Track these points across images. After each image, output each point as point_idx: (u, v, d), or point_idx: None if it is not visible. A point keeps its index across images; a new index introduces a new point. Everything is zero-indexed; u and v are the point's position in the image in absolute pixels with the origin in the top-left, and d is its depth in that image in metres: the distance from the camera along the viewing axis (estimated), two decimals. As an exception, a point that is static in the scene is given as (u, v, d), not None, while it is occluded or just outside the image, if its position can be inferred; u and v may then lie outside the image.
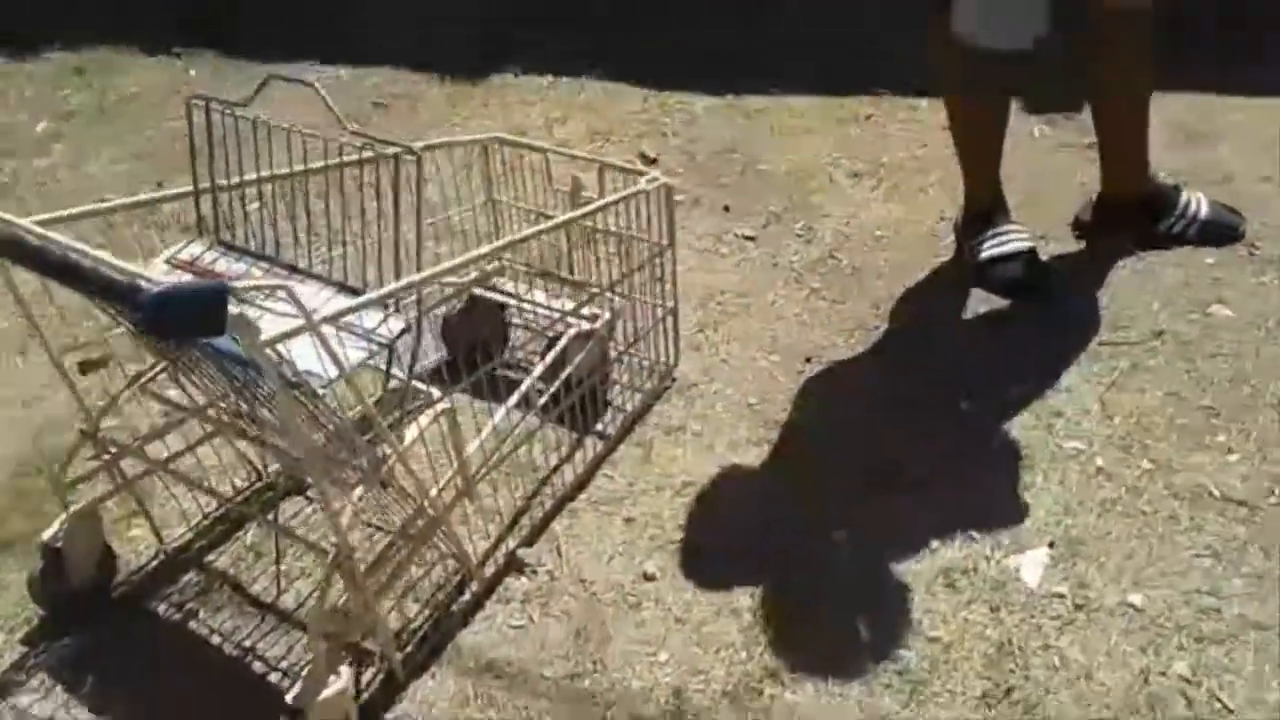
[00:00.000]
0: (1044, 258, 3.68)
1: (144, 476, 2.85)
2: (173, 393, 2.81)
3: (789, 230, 4.02)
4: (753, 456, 3.12)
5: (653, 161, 4.39)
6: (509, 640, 2.66)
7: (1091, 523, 2.81)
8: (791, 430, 3.20)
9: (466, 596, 2.75)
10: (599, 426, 3.20)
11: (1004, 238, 3.65)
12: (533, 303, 3.28)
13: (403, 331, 2.41)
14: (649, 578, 2.80)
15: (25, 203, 4.33)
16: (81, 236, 2.58)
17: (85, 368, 3.18)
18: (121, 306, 1.90)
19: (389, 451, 2.39)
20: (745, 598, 2.70)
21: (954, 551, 2.77)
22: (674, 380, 3.36)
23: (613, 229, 3.13)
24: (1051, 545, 2.76)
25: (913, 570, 2.73)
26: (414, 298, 2.43)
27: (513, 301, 3.32)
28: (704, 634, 2.65)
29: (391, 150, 2.36)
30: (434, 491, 2.54)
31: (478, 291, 3.26)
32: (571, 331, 3.10)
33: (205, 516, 2.99)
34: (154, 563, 2.91)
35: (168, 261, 2.68)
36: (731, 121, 4.69)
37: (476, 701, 2.53)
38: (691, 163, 4.44)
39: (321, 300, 2.45)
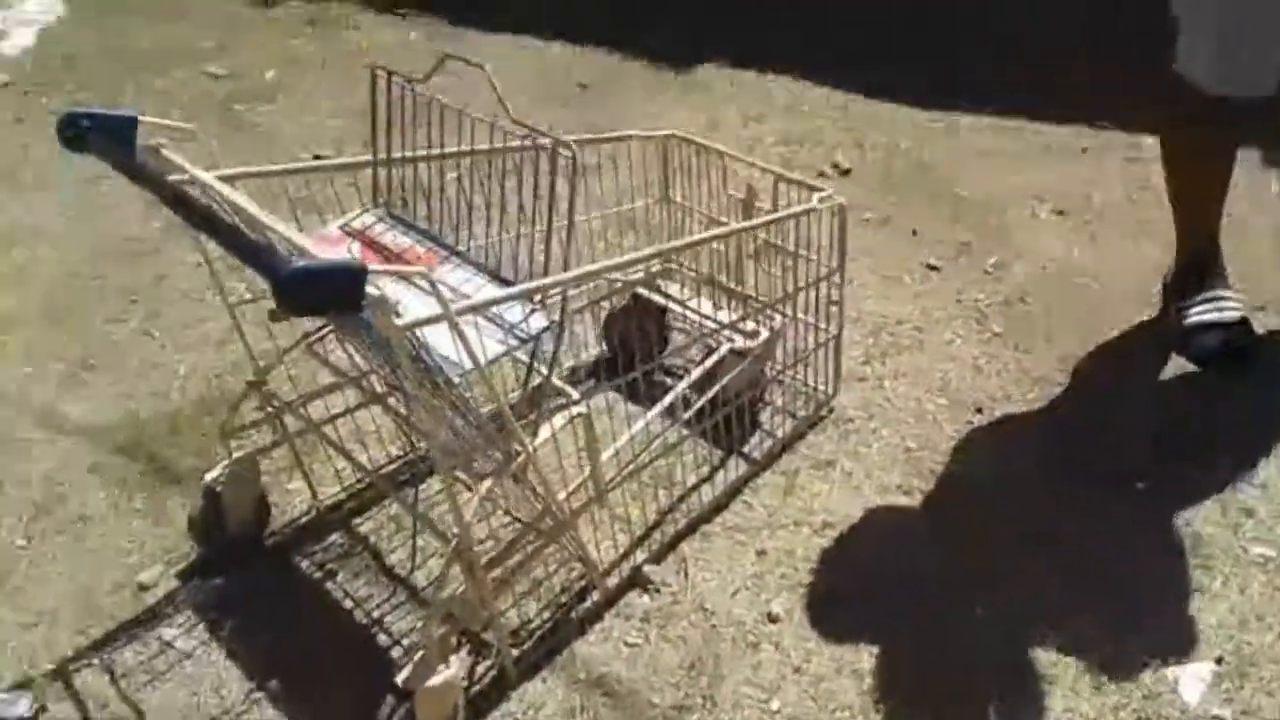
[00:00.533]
0: (1259, 331, 3.41)
1: (302, 435, 2.97)
2: (338, 354, 2.92)
3: (978, 264, 3.86)
4: (902, 505, 3.02)
5: (846, 173, 4.28)
6: (622, 658, 2.67)
7: (1269, 643, 2.59)
8: (948, 483, 3.07)
9: (587, 604, 2.76)
10: (745, 449, 3.15)
11: (1214, 303, 3.39)
12: (694, 310, 3.24)
13: (545, 329, 2.42)
14: (773, 619, 2.75)
15: (242, 148, 4.57)
16: (274, 192, 2.72)
17: (275, 316, 3.36)
18: (259, 273, 1.94)
19: (520, 449, 2.41)
20: (869, 658, 2.63)
21: (1107, 648, 2.59)
22: (830, 411, 3.28)
23: (782, 244, 3.05)
24: (1219, 661, 2.55)
25: (1058, 660, 2.58)
26: (558, 296, 2.42)
27: (674, 306, 3.29)
28: (821, 690, 2.59)
29: (546, 141, 2.35)
30: (563, 495, 2.56)
31: (642, 291, 3.27)
32: (727, 346, 3.07)
33: (359, 479, 3.11)
34: (306, 518, 3.04)
35: (341, 227, 2.76)
36: (935, 138, 4.53)
37: (582, 715, 2.55)
38: (886, 179, 4.30)
39: (472, 287, 2.49)
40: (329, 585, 2.87)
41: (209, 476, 2.88)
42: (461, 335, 2.13)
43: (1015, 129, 4.56)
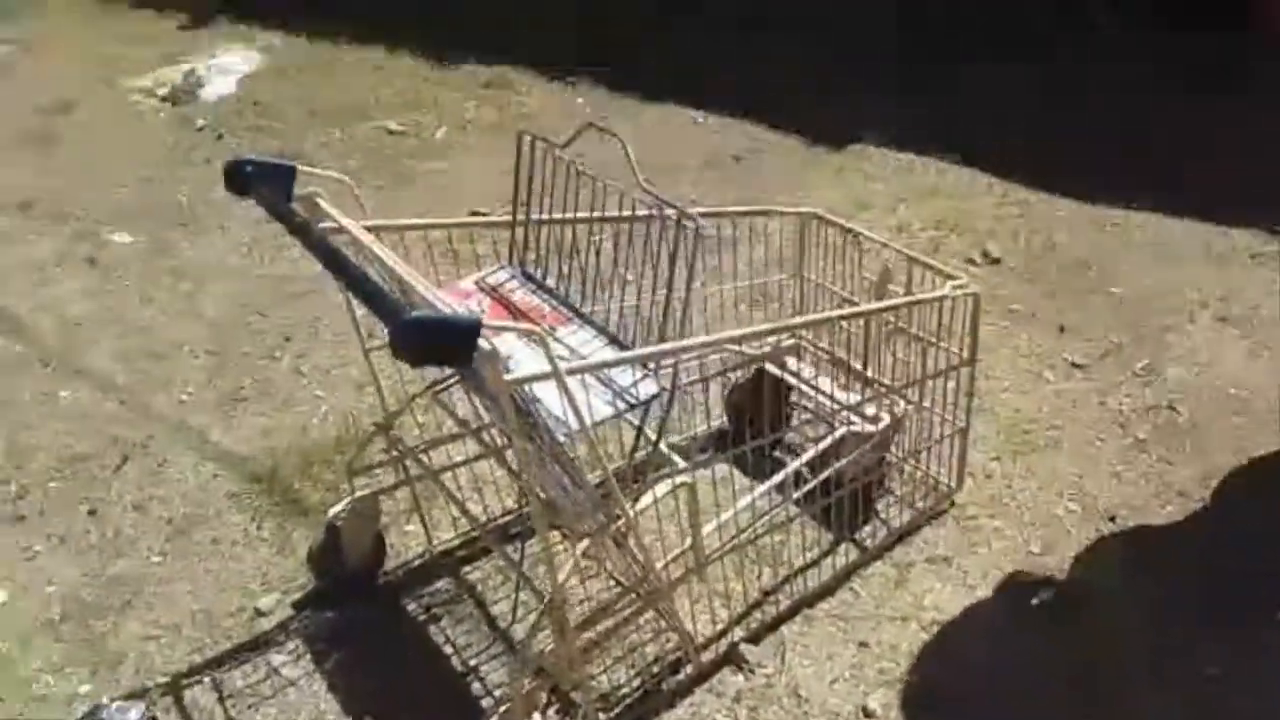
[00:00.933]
0: None
1: (421, 480, 3.06)
2: (464, 404, 3.00)
3: (1127, 367, 3.71)
4: (1019, 612, 2.91)
5: (995, 262, 4.20)
6: (708, 736, 2.64)
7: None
8: (1072, 593, 2.93)
9: (680, 677, 2.74)
10: (858, 536, 3.09)
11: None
12: (817, 389, 3.22)
13: (655, 396, 2.44)
14: (868, 714, 2.67)
15: (409, 200, 4.78)
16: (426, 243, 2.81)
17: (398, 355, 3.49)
18: (380, 320, 2.02)
19: (621, 513, 2.43)
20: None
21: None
22: (951, 505, 3.19)
23: (914, 330, 3.01)
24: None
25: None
26: (671, 365, 2.44)
27: (798, 384, 3.27)
28: None
29: (671, 212, 2.38)
30: (662, 564, 2.56)
31: (768, 367, 3.26)
32: (846, 428, 3.03)
33: (473, 528, 3.18)
34: (419, 560, 3.12)
35: (476, 282, 2.86)
36: (1092, 233, 4.40)
37: (661, 791, 2.53)
38: (1038, 272, 4.19)
39: (590, 350, 2.54)
40: (432, 629, 2.93)
41: (332, 512, 2.99)
42: (569, 394, 2.17)
43: (1184, 229, 4.39)
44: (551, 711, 2.69)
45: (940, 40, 5.69)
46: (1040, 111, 5.18)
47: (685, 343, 2.44)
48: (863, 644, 2.83)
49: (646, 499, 2.51)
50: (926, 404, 3.10)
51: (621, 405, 2.43)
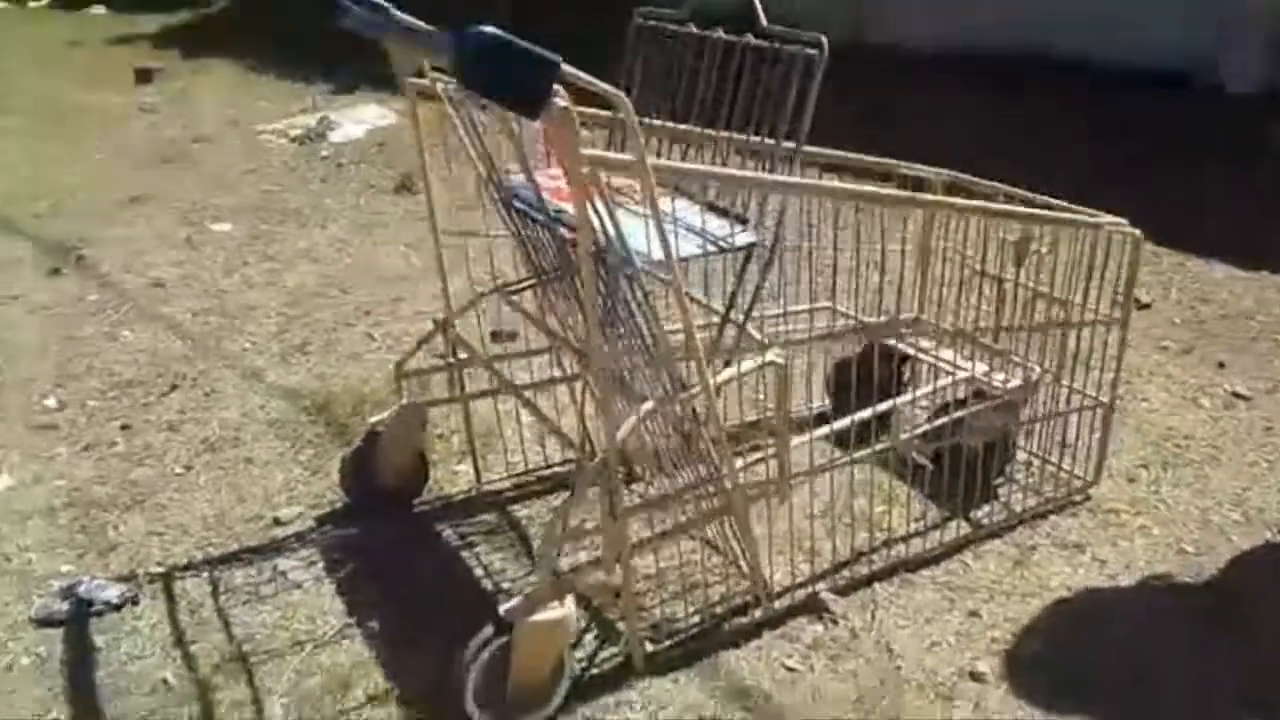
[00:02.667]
0: None
1: (476, 398, 2.73)
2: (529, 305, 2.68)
3: (1300, 404, 3.21)
4: (1166, 603, 2.38)
5: (1145, 307, 3.76)
6: (777, 679, 2.15)
7: None
8: (1230, 596, 2.41)
9: (746, 620, 2.28)
10: (973, 515, 2.62)
11: None
12: (938, 358, 2.80)
13: (752, 245, 2.09)
14: (975, 676, 2.16)
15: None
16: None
17: (496, 337, 3.22)
18: (444, 51, 1.74)
19: (696, 384, 2.05)
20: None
21: None
22: (1086, 499, 2.70)
23: (1055, 293, 2.60)
24: None
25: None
26: (776, 211, 2.10)
27: (914, 352, 2.86)
28: None
29: (795, 47, 2.09)
30: (738, 464, 2.15)
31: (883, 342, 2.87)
32: (966, 384, 2.60)
33: (526, 471, 2.81)
34: (463, 496, 2.75)
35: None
36: (1256, 290, 3.94)
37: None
38: (1193, 317, 3.74)
39: (687, 214, 2.21)
40: (465, 554, 2.53)
41: (374, 419, 2.67)
42: (653, 199, 1.85)
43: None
44: (589, 637, 2.25)
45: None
46: (1197, 184, 4.80)
47: (798, 180, 2.11)
48: (973, 613, 2.33)
49: (729, 372, 2.13)
50: (1065, 381, 2.65)
51: (712, 247, 2.10)
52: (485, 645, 1.97)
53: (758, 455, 2.23)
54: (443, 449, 2.90)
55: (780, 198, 2.11)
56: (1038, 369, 2.66)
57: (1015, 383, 2.64)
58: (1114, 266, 2.53)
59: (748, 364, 2.13)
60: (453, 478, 2.82)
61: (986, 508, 2.64)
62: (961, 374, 2.67)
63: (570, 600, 2.01)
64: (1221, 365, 3.41)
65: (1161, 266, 4.10)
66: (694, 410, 2.09)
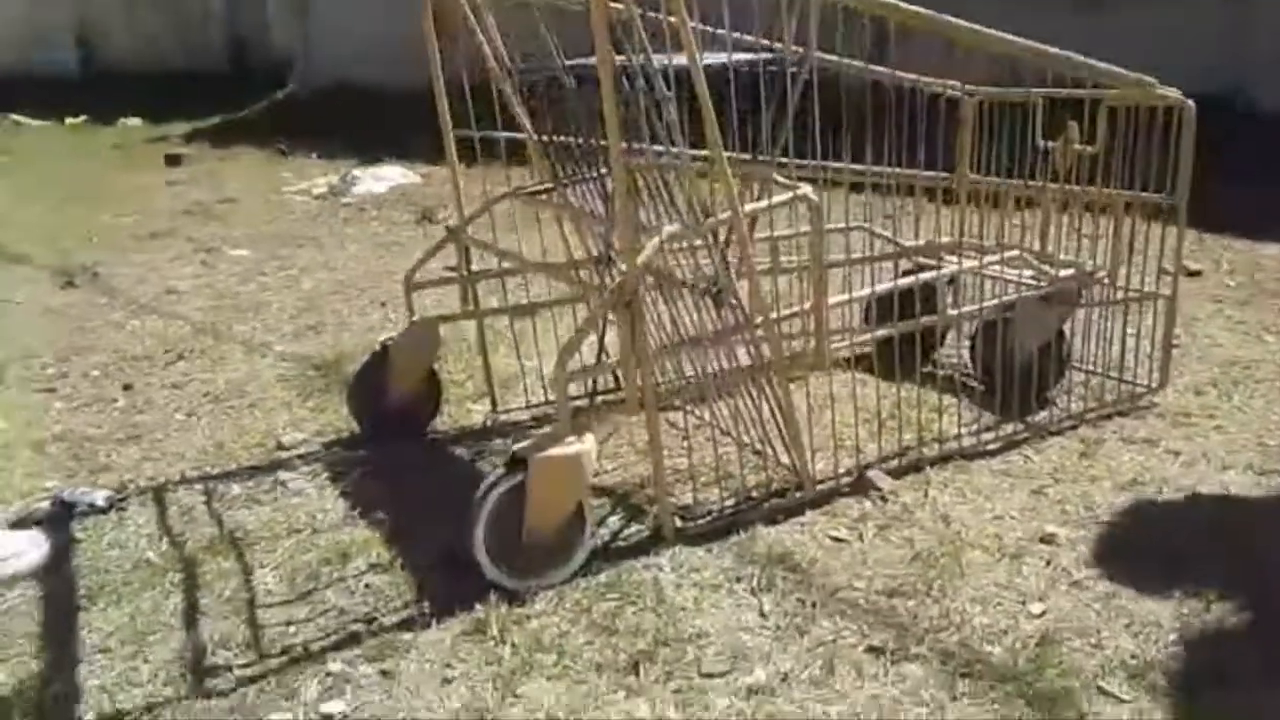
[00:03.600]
0: None
1: (490, 314, 2.58)
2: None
3: (1374, 343, 2.99)
4: (1250, 485, 2.15)
5: (1194, 274, 3.58)
6: (822, 547, 1.93)
7: None
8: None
9: (785, 501, 2.06)
10: (1033, 417, 2.41)
11: None
12: (982, 272, 2.61)
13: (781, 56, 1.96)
14: (1047, 539, 1.93)
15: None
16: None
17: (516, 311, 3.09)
18: None
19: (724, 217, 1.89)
20: (1192, 595, 1.75)
21: None
22: (1153, 405, 2.49)
23: (1103, 190, 2.44)
24: None
25: None
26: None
27: (955, 266, 2.68)
28: (1113, 606, 1.73)
29: None
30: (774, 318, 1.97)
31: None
32: (1009, 289, 2.43)
33: (546, 402, 2.62)
34: (477, 428, 2.57)
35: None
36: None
37: (749, 580, 1.81)
38: (1247, 280, 3.55)
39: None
40: (479, 465, 2.34)
41: (384, 335, 2.52)
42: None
43: None
44: (614, 519, 2.04)
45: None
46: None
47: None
48: (1037, 492, 2.11)
49: (758, 203, 1.98)
50: (1120, 276, 2.47)
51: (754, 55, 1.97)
52: (496, 485, 1.78)
53: (792, 311, 2.06)
54: (457, 393, 2.74)
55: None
56: (1090, 264, 2.49)
57: (1067, 273, 2.46)
58: (1165, 146, 2.38)
59: (780, 195, 1.98)
60: (468, 415, 2.65)
61: (1044, 414, 2.44)
62: (1010, 277, 2.51)
63: (589, 437, 1.81)
64: (1283, 311, 3.22)
65: (1207, 245, 3.93)
66: (722, 246, 1.94)
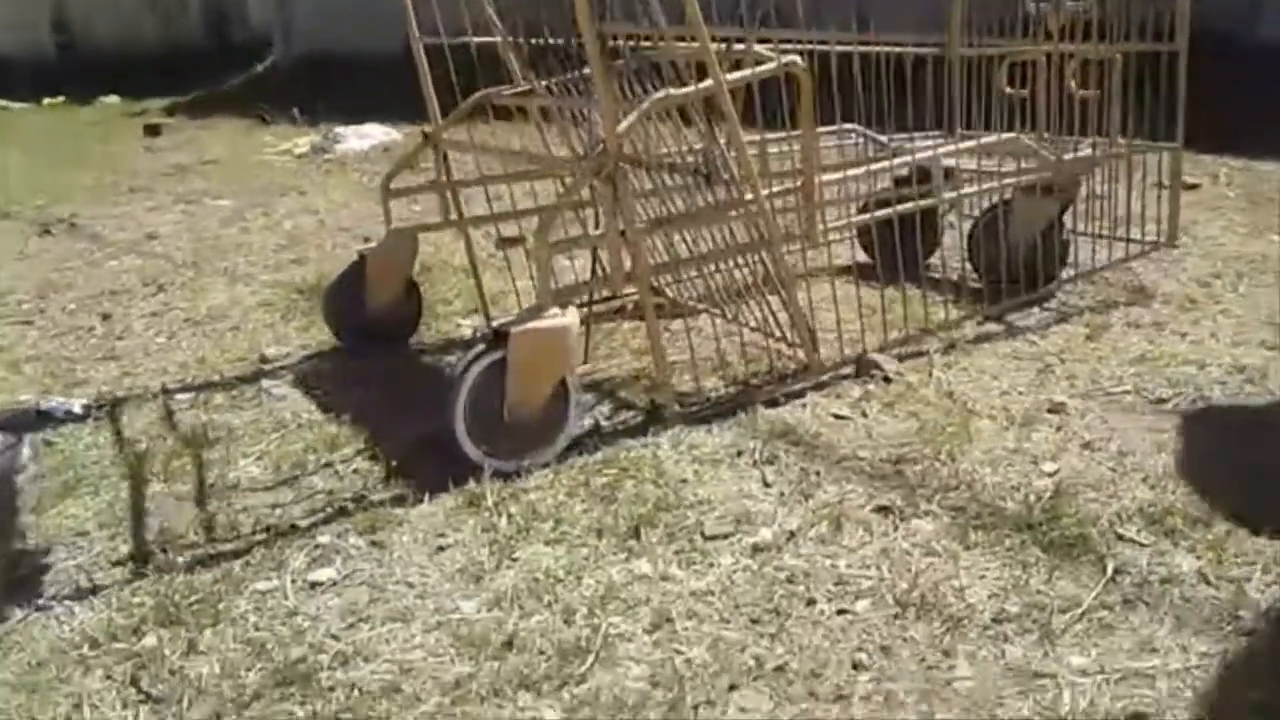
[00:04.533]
0: None
1: (480, 223, 2.52)
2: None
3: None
4: (1261, 360, 2.09)
5: (1192, 187, 3.52)
6: (825, 424, 1.87)
7: None
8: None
9: (785, 385, 2.00)
10: (1038, 296, 2.36)
11: None
12: (978, 171, 2.54)
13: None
14: (1055, 408, 1.88)
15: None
16: None
17: (503, 243, 3.02)
18: None
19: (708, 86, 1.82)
20: (1206, 441, 1.69)
21: None
22: (1169, 247, 2.44)
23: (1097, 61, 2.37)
24: None
25: None
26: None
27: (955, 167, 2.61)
28: (1127, 463, 1.67)
29: None
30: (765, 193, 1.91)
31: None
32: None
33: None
34: (466, 338, 2.50)
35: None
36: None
37: (750, 454, 1.75)
38: (1246, 191, 3.50)
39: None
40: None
41: (362, 246, 2.45)
42: None
43: None
44: (608, 406, 1.97)
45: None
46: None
47: None
48: (1044, 370, 2.05)
49: (741, 72, 1.91)
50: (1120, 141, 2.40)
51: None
52: (476, 360, 1.71)
53: (785, 185, 1.99)
54: (445, 310, 2.67)
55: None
56: (1087, 143, 2.42)
57: (1066, 157, 2.40)
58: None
59: (766, 66, 1.90)
60: (457, 329, 2.58)
61: (1048, 300, 2.39)
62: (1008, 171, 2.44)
63: (572, 310, 1.75)
64: (1286, 214, 3.17)
65: (1205, 162, 3.87)
66: (709, 114, 1.88)
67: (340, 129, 5.88)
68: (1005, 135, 2.36)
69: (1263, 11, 5.12)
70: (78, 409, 2.10)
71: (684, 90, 1.84)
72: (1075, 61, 2.40)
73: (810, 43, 2.18)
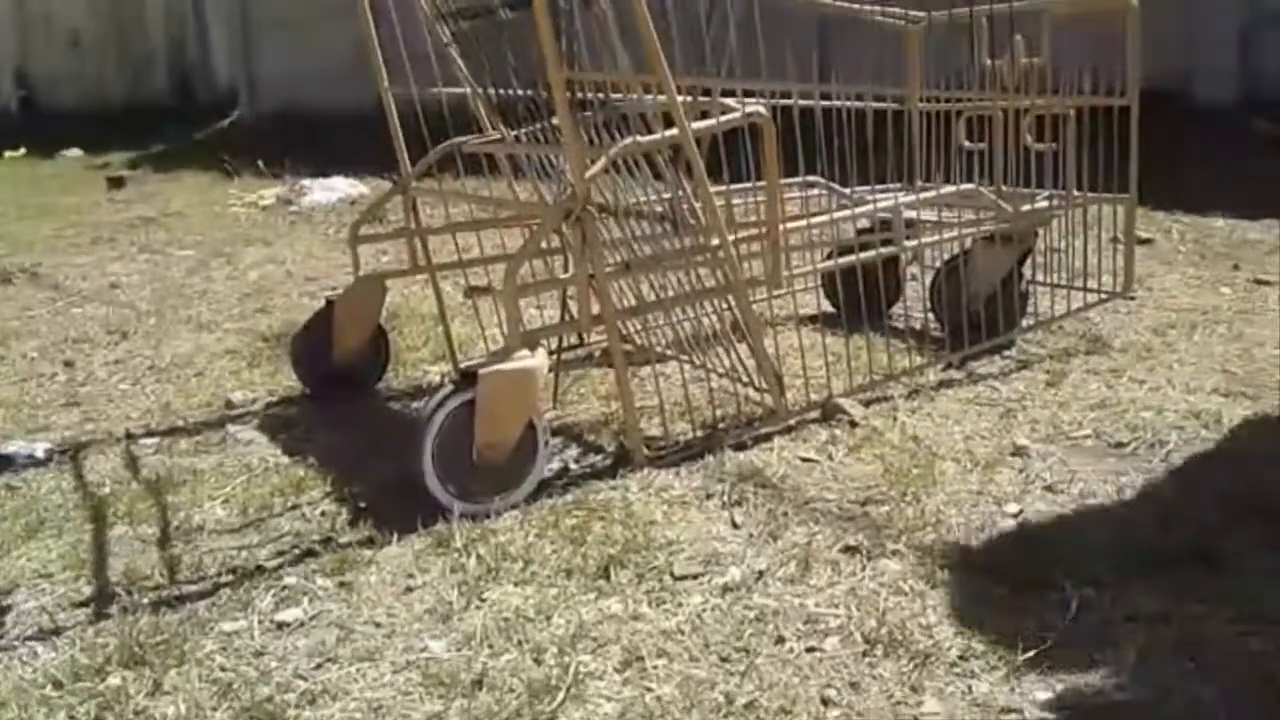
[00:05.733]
0: None
1: (441, 271, 2.52)
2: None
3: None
4: (1219, 404, 2.13)
5: (1146, 242, 3.59)
6: (792, 466, 1.89)
7: None
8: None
9: (756, 430, 2.02)
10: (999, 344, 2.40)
11: None
12: (934, 222, 2.59)
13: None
14: (1017, 451, 1.91)
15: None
16: None
17: (472, 292, 3.04)
18: None
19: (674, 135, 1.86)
20: (1170, 493, 1.73)
21: None
22: (1129, 297, 2.50)
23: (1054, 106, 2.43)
24: None
25: None
26: None
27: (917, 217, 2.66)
28: (1089, 506, 1.70)
29: None
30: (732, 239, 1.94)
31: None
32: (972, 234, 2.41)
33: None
34: (434, 383, 2.50)
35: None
36: (1260, 228, 3.78)
37: (719, 496, 1.76)
38: (1197, 247, 3.58)
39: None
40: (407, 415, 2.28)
41: (329, 292, 2.46)
42: None
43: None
44: (577, 449, 1.98)
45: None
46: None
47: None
48: (1006, 414, 2.09)
49: (707, 122, 1.94)
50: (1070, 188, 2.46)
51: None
52: (444, 402, 1.72)
53: (750, 232, 2.03)
54: (413, 357, 2.67)
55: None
56: (1043, 195, 2.48)
57: (1024, 208, 2.45)
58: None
59: (730, 115, 1.94)
60: (424, 376, 2.58)
61: (1005, 352, 2.43)
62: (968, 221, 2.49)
63: (541, 352, 1.76)
64: (1237, 266, 3.24)
65: (1158, 218, 3.96)
66: (676, 163, 1.91)
67: (306, 182, 5.90)
68: (964, 187, 2.42)
69: (1197, 73, 5.29)
70: (40, 453, 2.08)
71: (650, 138, 1.87)
72: (1030, 116, 2.47)
73: (774, 95, 2.23)
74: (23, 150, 10.20)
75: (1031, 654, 1.34)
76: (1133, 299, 2.77)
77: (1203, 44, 5.41)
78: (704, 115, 1.95)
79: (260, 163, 6.59)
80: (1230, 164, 4.73)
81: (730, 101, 1.99)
